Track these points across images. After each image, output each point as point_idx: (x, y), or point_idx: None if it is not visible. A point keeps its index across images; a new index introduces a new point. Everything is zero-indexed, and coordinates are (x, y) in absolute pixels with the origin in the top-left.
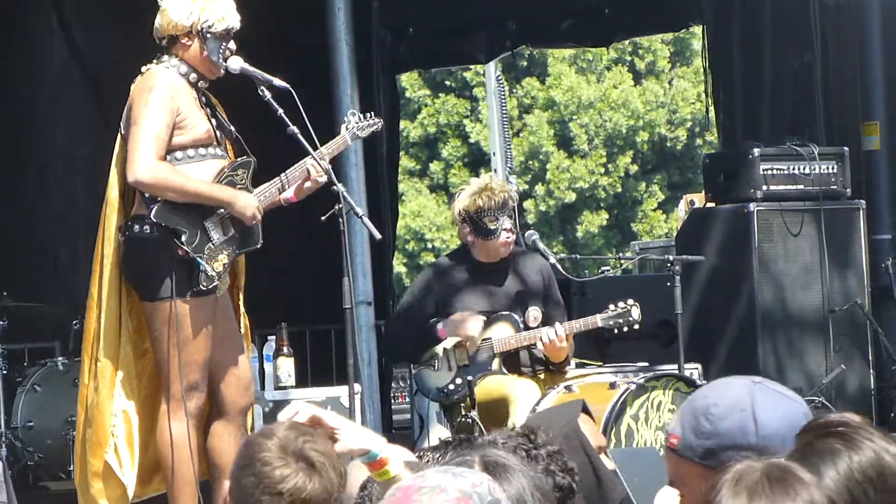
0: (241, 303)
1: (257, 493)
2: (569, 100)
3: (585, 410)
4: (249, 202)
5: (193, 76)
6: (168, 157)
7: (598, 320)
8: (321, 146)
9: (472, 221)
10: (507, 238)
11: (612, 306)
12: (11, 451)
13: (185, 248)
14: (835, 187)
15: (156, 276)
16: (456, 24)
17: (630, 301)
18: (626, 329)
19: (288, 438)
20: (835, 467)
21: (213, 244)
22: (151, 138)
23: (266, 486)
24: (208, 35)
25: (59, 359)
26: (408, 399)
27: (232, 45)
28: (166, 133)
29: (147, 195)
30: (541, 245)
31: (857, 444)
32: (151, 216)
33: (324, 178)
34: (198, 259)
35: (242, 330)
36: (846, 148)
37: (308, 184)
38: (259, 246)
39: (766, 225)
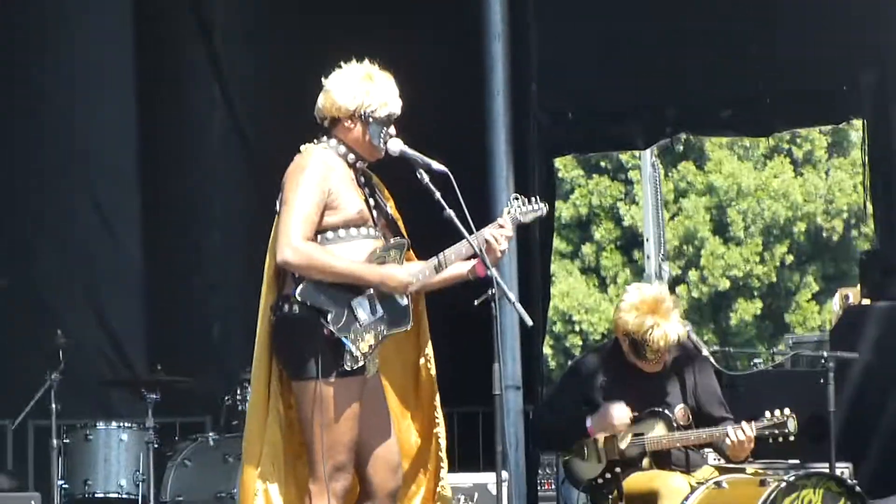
0: (432, 370)
1: None
2: (728, 186)
3: None
4: (400, 277)
5: (352, 157)
6: (318, 238)
7: (752, 429)
8: (480, 230)
9: (633, 343)
10: (661, 362)
11: (767, 414)
12: None
13: (331, 327)
14: None
15: (302, 355)
16: (615, 110)
17: (787, 411)
18: (780, 440)
19: None
20: None
21: (359, 324)
22: (300, 219)
23: None
24: (371, 119)
25: (210, 434)
26: (553, 486)
27: (392, 129)
28: (316, 214)
29: (297, 275)
30: (694, 337)
31: None
32: (297, 295)
33: (505, 246)
34: (343, 339)
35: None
36: None
37: (490, 256)
38: (409, 328)
39: None
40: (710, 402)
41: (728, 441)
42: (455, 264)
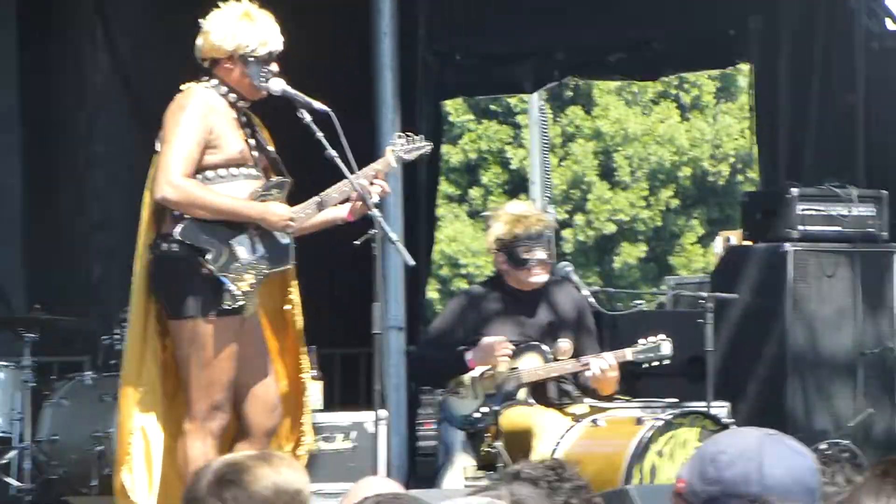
0: (297, 320)
1: None
2: (615, 131)
3: None
4: (281, 213)
5: (233, 96)
6: (199, 176)
7: (628, 353)
8: (361, 169)
9: (506, 250)
10: (540, 271)
11: (642, 340)
12: (35, 465)
13: (210, 266)
14: (872, 230)
15: (181, 294)
16: (503, 53)
17: (661, 336)
18: (655, 364)
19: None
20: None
21: (239, 263)
22: (180, 156)
23: None
24: (250, 59)
25: (88, 373)
26: (434, 426)
27: (274, 67)
28: (197, 152)
29: (176, 213)
30: (574, 277)
31: None
32: (177, 234)
33: (376, 199)
34: (222, 278)
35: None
36: (885, 192)
37: (360, 203)
38: (290, 267)
39: (801, 265)
40: (584, 336)
41: (591, 373)
42: (329, 209)
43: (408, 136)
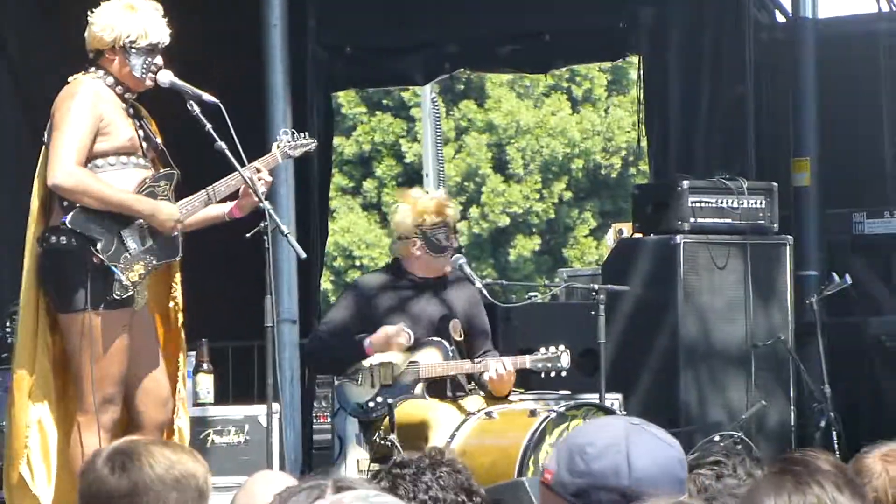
0: (180, 317)
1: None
2: (507, 124)
3: None
4: (170, 213)
5: (120, 88)
6: (89, 165)
7: (527, 362)
8: (249, 162)
9: (425, 236)
10: (455, 256)
11: (542, 349)
12: None
13: (100, 255)
14: (762, 222)
15: (70, 287)
16: (394, 45)
17: (561, 347)
18: (553, 374)
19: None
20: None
21: (129, 254)
22: (72, 144)
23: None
24: (132, 50)
25: None
26: (329, 419)
27: (159, 59)
28: (88, 139)
29: (65, 204)
30: (467, 269)
31: (805, 488)
32: (67, 222)
33: (263, 190)
34: (112, 267)
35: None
36: (775, 183)
37: (246, 199)
38: (178, 259)
39: (692, 257)
40: (476, 333)
41: (488, 375)
42: (212, 206)
43: (293, 132)
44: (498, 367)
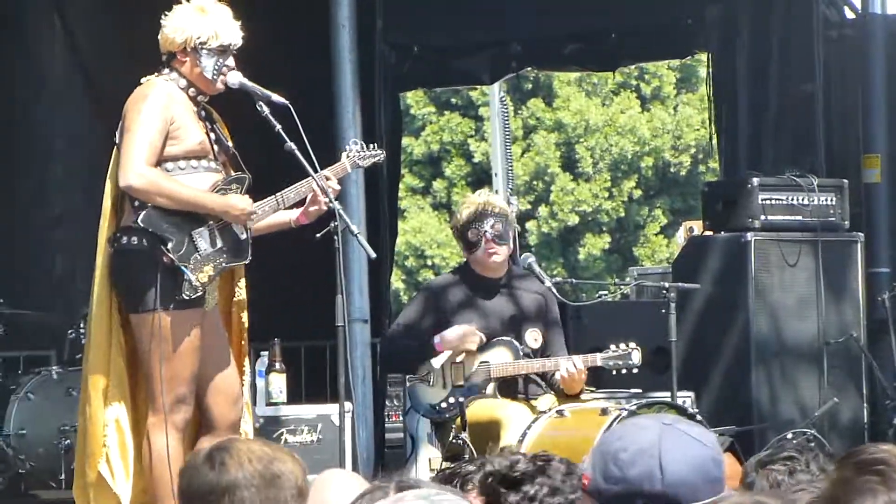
0: (244, 320)
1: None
2: (576, 122)
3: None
4: (243, 206)
5: (192, 90)
6: (160, 168)
7: (598, 360)
8: (318, 163)
9: (459, 236)
10: (494, 247)
11: (613, 347)
12: (3, 459)
13: (171, 255)
14: (833, 219)
15: (140, 287)
16: (460, 45)
17: (632, 344)
18: (624, 372)
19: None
20: None
21: (199, 254)
22: (143, 145)
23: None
24: (203, 52)
25: (54, 367)
26: (401, 418)
27: (231, 61)
28: (159, 141)
29: (137, 204)
30: (536, 268)
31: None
32: (139, 221)
33: (328, 199)
34: (182, 267)
35: (242, 346)
36: (846, 180)
37: (314, 207)
38: (247, 261)
39: (763, 255)
40: (553, 333)
41: (559, 374)
42: (280, 212)
43: (363, 143)
44: (569, 365)
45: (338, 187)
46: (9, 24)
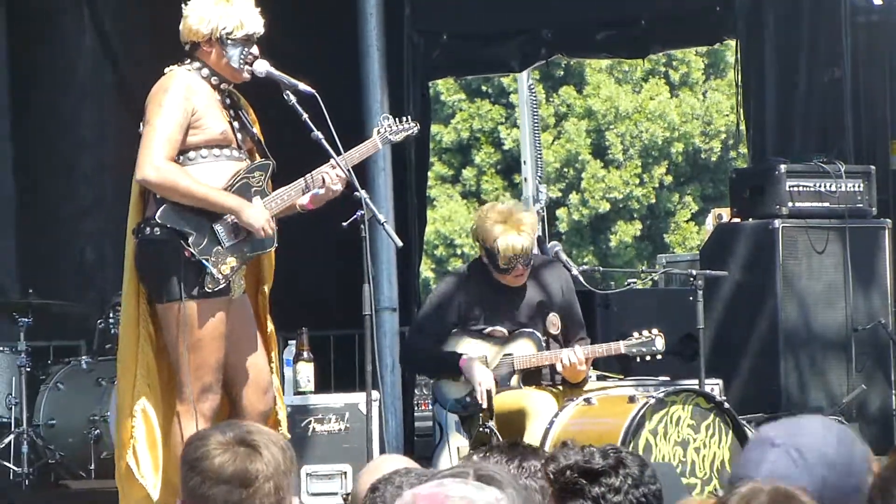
0: (266, 307)
1: (205, 489)
2: (607, 109)
3: None
4: (257, 214)
5: (216, 79)
6: (181, 158)
7: (621, 347)
8: (349, 151)
9: (489, 254)
10: (518, 274)
11: (636, 334)
12: (33, 449)
13: (192, 249)
14: (861, 205)
15: (165, 277)
16: (490, 32)
17: (655, 331)
18: (648, 358)
19: (222, 430)
20: None
21: (221, 247)
22: (162, 139)
23: (210, 478)
24: (228, 42)
25: (84, 357)
26: (430, 407)
27: (255, 49)
28: (179, 134)
29: (158, 196)
30: (563, 257)
31: None
32: (157, 217)
33: (338, 186)
34: (203, 262)
35: (268, 334)
36: (873, 166)
37: (322, 191)
38: (272, 249)
39: (791, 242)
40: (572, 322)
41: (559, 365)
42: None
43: (394, 117)
44: (570, 355)
45: (344, 175)
46: (38, 16)
